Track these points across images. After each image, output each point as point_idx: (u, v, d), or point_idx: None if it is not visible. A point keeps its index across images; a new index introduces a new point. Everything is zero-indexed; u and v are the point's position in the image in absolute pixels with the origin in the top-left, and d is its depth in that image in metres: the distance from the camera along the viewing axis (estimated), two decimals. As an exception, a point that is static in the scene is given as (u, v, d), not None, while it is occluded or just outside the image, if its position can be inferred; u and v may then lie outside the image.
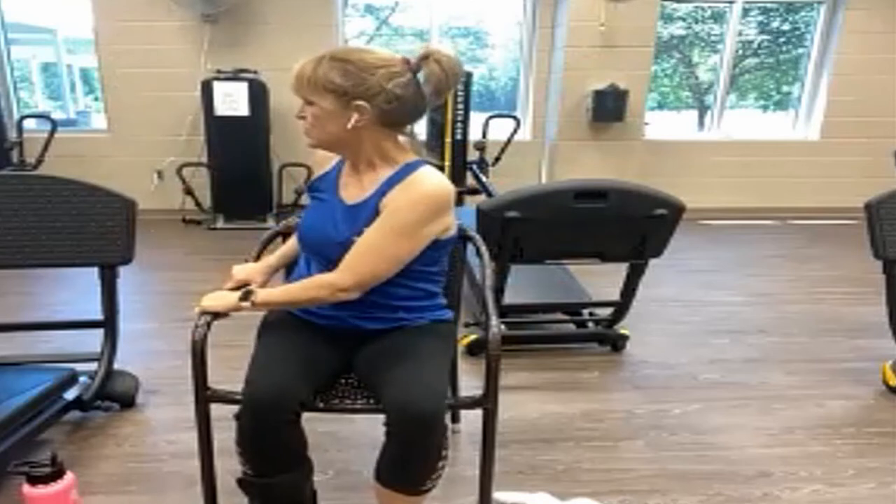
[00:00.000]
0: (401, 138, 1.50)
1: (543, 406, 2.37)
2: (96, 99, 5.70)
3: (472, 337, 2.75)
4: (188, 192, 5.10)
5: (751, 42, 5.98)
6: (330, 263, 1.48)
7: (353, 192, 1.50)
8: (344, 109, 1.38)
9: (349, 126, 1.39)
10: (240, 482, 1.46)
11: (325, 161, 1.58)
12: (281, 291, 1.50)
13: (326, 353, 1.54)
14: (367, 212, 1.45)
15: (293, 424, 1.39)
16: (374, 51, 1.42)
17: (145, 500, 1.82)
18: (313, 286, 1.46)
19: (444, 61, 1.39)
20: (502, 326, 1.56)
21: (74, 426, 2.16)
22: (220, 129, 4.86)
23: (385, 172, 1.46)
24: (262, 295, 1.48)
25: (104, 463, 1.98)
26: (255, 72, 4.90)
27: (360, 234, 1.44)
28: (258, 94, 4.81)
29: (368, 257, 1.41)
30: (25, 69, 6.43)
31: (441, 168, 1.54)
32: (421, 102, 1.43)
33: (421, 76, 1.40)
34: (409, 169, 1.44)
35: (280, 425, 1.37)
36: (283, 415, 1.36)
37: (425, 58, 1.39)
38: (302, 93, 1.41)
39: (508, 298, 2.67)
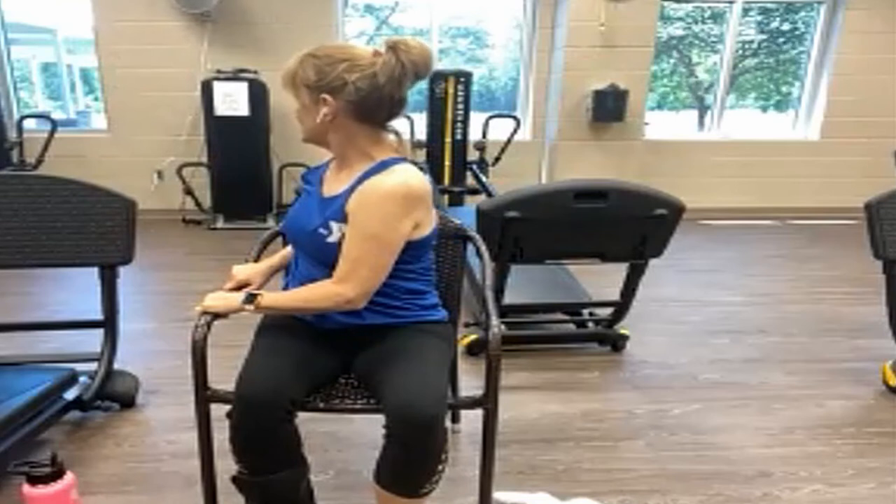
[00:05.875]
0: (390, 136, 1.49)
1: (543, 406, 2.37)
2: (96, 99, 5.70)
3: (472, 337, 2.75)
4: (188, 192, 5.10)
5: (750, 42, 5.98)
6: (309, 257, 1.51)
7: (331, 185, 1.52)
8: (315, 104, 1.42)
9: (318, 120, 1.42)
10: (234, 480, 1.46)
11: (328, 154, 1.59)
12: (285, 298, 1.50)
13: (323, 353, 1.54)
14: (336, 206, 1.45)
15: (285, 423, 1.39)
16: (347, 46, 1.43)
17: (145, 500, 1.82)
18: (319, 298, 1.45)
19: (414, 47, 1.39)
20: (502, 326, 1.56)
21: (74, 426, 2.16)
22: (220, 129, 4.86)
23: (361, 168, 1.45)
24: (265, 300, 1.48)
25: (104, 463, 1.98)
26: (255, 72, 4.90)
27: (325, 226, 1.44)
28: (258, 94, 4.81)
29: (359, 266, 1.41)
30: (25, 69, 6.43)
31: (423, 168, 1.52)
32: (396, 93, 1.41)
33: (395, 66, 1.38)
34: (383, 166, 1.43)
35: (271, 423, 1.37)
36: (273, 412, 1.36)
37: (393, 48, 1.39)
38: (287, 89, 1.46)
39: (508, 298, 2.67)
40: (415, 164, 1.49)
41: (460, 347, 2.48)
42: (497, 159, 4.99)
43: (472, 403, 1.60)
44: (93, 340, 2.27)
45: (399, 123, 1.51)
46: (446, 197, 4.85)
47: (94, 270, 2.16)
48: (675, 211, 2.40)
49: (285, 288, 1.61)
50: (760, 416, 2.32)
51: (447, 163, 4.85)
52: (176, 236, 4.88)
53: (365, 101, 1.39)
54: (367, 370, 1.51)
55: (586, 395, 2.47)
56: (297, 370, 1.44)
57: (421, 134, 4.91)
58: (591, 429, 2.22)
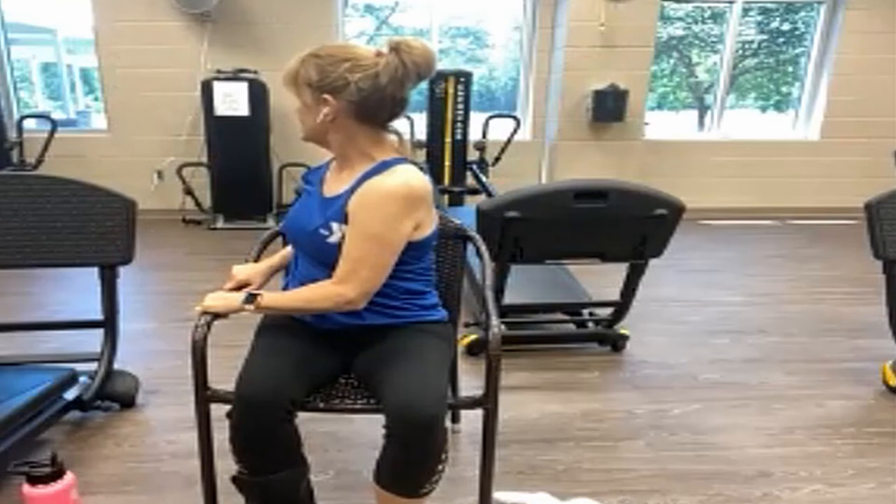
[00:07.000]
0: (391, 137, 1.49)
1: (543, 406, 2.37)
2: (96, 99, 5.70)
3: (472, 337, 2.75)
4: (188, 192, 5.10)
5: (750, 42, 5.98)
6: (310, 257, 1.51)
7: (332, 185, 1.52)
8: (316, 103, 1.42)
9: (319, 119, 1.42)
10: (234, 480, 1.46)
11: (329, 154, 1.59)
12: (285, 298, 1.50)
13: (323, 353, 1.54)
14: (336, 206, 1.45)
15: (285, 423, 1.39)
16: (349, 46, 1.43)
17: (145, 500, 1.82)
18: (319, 298, 1.45)
19: (417, 48, 1.39)
20: (502, 326, 1.56)
21: (74, 426, 2.16)
22: (220, 129, 4.86)
23: (362, 168, 1.45)
24: (265, 300, 1.48)
25: (104, 463, 1.98)
26: (255, 72, 4.90)
27: (326, 227, 1.45)
28: (258, 94, 4.81)
29: (360, 266, 1.41)
30: (25, 69, 6.43)
31: (423, 168, 1.51)
32: (398, 93, 1.41)
33: (398, 67, 1.38)
34: (384, 167, 1.43)
35: (271, 423, 1.37)
36: (273, 412, 1.36)
37: (395, 48, 1.39)
38: (288, 88, 1.46)
39: (508, 298, 2.67)
40: (415, 164, 1.49)
41: (460, 347, 2.48)
42: (497, 159, 4.99)
43: (472, 403, 1.60)
44: (93, 340, 2.27)
45: (399, 123, 1.51)
46: (446, 197, 4.85)
47: (94, 270, 2.16)
48: (675, 211, 2.40)
49: (285, 288, 1.61)
50: (760, 416, 2.32)
51: (447, 163, 4.85)
52: (176, 236, 4.88)
53: (366, 101, 1.39)
54: (367, 370, 1.51)
55: (586, 395, 2.47)
56: (297, 370, 1.45)
57: (421, 134, 4.91)
58: (591, 429, 2.22)
